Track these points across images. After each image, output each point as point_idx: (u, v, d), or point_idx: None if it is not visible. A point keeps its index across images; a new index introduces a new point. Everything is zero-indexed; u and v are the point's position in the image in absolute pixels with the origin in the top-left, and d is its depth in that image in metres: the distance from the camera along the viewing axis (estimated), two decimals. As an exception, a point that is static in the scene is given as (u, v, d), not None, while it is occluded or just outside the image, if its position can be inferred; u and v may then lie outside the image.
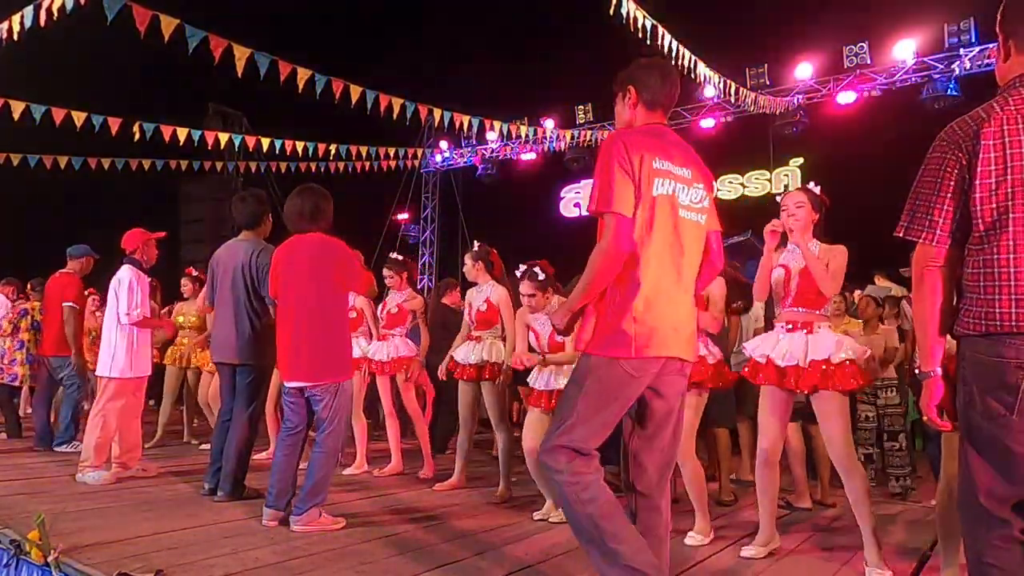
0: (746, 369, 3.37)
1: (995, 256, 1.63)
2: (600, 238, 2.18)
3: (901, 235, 1.81)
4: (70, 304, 5.84)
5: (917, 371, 1.89)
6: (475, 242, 4.79)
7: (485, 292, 4.58)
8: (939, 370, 1.79)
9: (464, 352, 4.60)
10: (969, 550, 1.80)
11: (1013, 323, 1.60)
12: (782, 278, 3.25)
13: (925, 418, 1.83)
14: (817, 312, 3.19)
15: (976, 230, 1.67)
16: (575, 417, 2.18)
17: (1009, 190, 1.62)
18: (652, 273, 2.19)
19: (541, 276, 3.93)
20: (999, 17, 1.86)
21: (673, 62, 9.38)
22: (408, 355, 5.12)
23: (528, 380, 4.06)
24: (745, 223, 12.25)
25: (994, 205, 1.63)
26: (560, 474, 2.16)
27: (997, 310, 1.62)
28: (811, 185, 3.38)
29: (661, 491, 2.36)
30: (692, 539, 3.46)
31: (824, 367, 3.05)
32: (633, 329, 2.16)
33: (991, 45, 10.68)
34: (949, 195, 1.70)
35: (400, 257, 5.39)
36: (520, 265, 4.04)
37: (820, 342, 3.11)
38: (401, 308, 5.11)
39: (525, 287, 3.94)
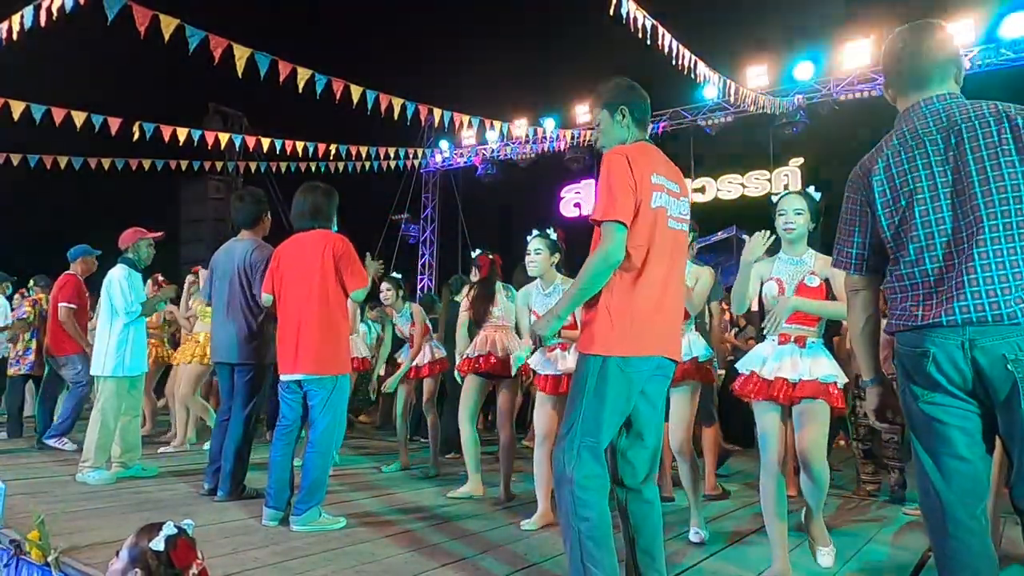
0: (736, 385, 3.15)
1: (901, 270, 1.93)
2: (596, 245, 2.31)
3: (832, 267, 2.14)
4: (65, 304, 5.87)
5: (860, 381, 2.04)
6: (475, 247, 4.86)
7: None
8: (877, 378, 2.10)
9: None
10: (930, 536, 1.92)
11: (919, 319, 1.86)
12: (774, 292, 3.07)
13: (872, 421, 1.94)
14: (811, 328, 3.01)
15: (889, 251, 1.99)
16: (581, 417, 2.30)
17: (901, 215, 1.92)
18: (650, 277, 2.34)
19: (553, 236, 3.90)
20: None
21: (673, 62, 9.39)
22: (443, 357, 5.45)
23: (532, 365, 3.97)
24: (745, 224, 12.27)
25: (893, 230, 1.94)
26: (569, 483, 2.27)
27: (908, 310, 1.90)
28: (811, 190, 3.16)
29: (649, 484, 2.48)
30: (695, 536, 3.46)
31: (816, 385, 2.88)
32: (632, 329, 2.30)
33: (991, 45, 10.69)
34: (858, 230, 2.05)
35: (398, 275, 5.72)
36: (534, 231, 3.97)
37: (812, 358, 2.94)
38: (424, 326, 5.42)
39: (534, 243, 3.88)
